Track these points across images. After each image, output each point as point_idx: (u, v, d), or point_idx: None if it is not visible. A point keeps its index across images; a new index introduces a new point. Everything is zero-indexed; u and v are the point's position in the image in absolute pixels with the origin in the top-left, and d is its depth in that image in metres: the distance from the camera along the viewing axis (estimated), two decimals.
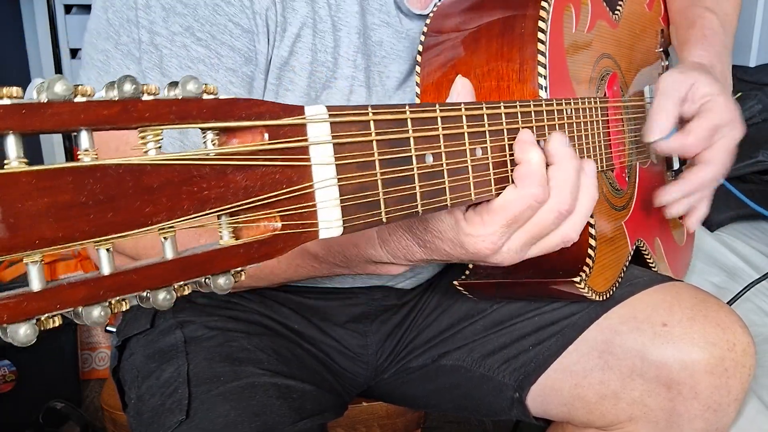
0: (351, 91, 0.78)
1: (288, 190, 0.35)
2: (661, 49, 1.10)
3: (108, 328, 1.82)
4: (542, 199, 0.56)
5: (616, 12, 0.92)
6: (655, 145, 0.84)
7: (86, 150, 0.31)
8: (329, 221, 0.37)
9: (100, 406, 1.59)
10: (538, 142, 0.58)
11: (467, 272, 0.79)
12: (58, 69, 2.57)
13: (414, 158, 0.44)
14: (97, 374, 1.96)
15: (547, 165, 0.58)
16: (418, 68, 0.75)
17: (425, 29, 0.77)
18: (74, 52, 2.67)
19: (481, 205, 0.56)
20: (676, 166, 1.07)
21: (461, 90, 0.58)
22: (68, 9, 2.64)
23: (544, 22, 0.68)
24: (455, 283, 0.80)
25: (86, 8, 2.68)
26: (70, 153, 2.54)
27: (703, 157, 0.85)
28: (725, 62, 0.96)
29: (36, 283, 0.29)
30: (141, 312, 0.88)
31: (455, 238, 0.57)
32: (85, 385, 1.93)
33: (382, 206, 0.41)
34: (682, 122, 0.85)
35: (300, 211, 0.36)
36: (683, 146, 0.84)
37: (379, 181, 0.41)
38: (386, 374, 0.98)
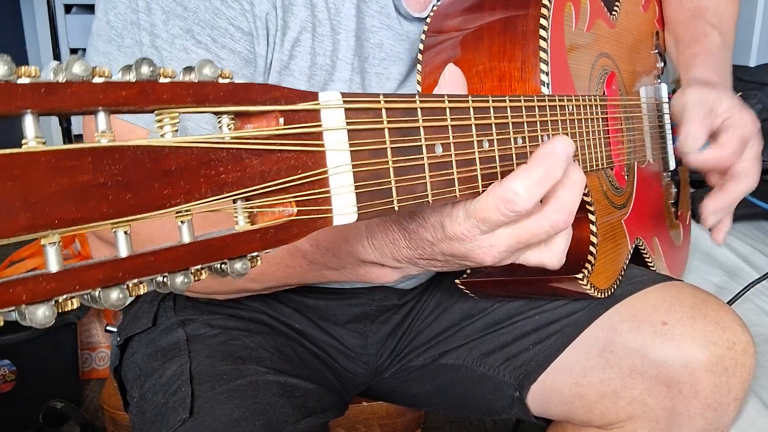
0: None
1: (303, 175, 0.35)
2: (656, 51, 1.11)
3: (108, 327, 1.81)
4: None
5: (614, 12, 0.93)
6: (688, 158, 0.86)
7: (103, 131, 0.30)
8: (344, 207, 0.37)
9: (100, 405, 1.59)
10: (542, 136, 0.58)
11: (469, 270, 0.79)
12: None
13: (424, 147, 0.44)
14: (97, 374, 1.95)
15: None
16: (419, 66, 0.76)
17: (425, 29, 0.77)
18: (74, 52, 2.67)
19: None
20: (672, 166, 1.08)
21: (449, 79, 0.55)
22: (68, 9, 2.65)
23: (545, 20, 0.69)
24: (457, 281, 0.80)
25: (86, 8, 2.68)
26: (69, 137, 2.49)
27: (737, 170, 0.87)
28: (727, 80, 0.99)
29: (53, 265, 0.29)
30: (143, 311, 0.88)
31: (436, 222, 0.54)
32: (85, 385, 1.93)
33: (395, 194, 0.41)
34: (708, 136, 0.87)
35: (315, 196, 0.36)
36: (720, 159, 0.86)
37: (391, 169, 0.41)
38: (386, 374, 0.98)
